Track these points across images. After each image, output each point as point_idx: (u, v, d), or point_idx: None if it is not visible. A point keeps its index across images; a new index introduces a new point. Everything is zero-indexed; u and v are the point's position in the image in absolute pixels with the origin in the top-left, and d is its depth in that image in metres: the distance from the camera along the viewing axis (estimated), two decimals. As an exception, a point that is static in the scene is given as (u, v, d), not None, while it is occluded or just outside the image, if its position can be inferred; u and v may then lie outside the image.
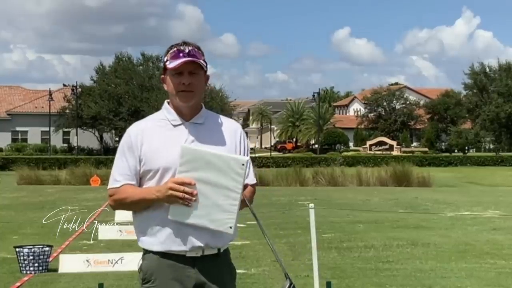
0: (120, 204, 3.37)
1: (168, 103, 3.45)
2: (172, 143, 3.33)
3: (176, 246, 3.28)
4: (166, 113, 3.42)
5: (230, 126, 3.47)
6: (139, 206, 3.33)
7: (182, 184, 3.16)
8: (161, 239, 3.30)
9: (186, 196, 3.16)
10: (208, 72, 3.45)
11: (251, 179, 3.45)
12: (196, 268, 3.32)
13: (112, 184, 3.38)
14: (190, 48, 3.34)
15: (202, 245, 3.29)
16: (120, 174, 3.36)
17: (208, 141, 3.32)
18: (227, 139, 3.41)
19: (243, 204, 3.33)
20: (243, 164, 3.16)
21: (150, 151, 3.33)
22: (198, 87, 3.36)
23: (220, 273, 3.39)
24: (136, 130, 3.39)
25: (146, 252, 3.38)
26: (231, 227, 3.18)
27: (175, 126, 3.38)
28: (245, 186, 3.33)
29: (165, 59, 3.37)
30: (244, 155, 3.42)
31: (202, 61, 3.35)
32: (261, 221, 3.53)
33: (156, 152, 3.33)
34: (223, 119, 3.50)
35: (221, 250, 3.39)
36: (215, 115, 3.49)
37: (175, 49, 3.35)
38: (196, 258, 3.31)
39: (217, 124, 3.45)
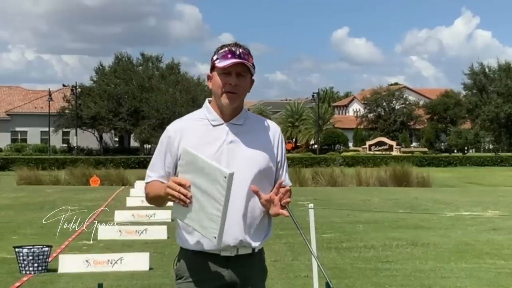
0: (148, 199, 3.47)
1: (209, 101, 3.44)
2: (211, 142, 3.33)
3: (211, 245, 3.28)
4: (206, 112, 3.41)
5: (269, 128, 3.47)
6: (158, 201, 3.40)
7: (179, 184, 3.16)
8: (197, 238, 3.32)
9: (181, 196, 3.15)
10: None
11: (288, 182, 3.54)
12: (229, 267, 3.35)
13: (145, 180, 3.48)
14: (240, 50, 3.33)
15: (236, 245, 3.32)
16: (152, 171, 3.43)
17: (246, 142, 3.33)
18: (265, 141, 3.41)
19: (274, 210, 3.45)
20: (225, 177, 3.04)
21: None
22: (243, 90, 3.36)
23: (252, 273, 3.43)
24: (175, 128, 3.40)
25: (182, 249, 3.43)
26: (215, 237, 3.13)
27: (214, 126, 3.37)
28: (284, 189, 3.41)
29: (214, 57, 3.36)
30: (281, 158, 3.46)
31: (251, 65, 3.34)
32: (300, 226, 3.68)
33: (194, 150, 3.32)
34: (263, 120, 3.50)
35: (256, 250, 3.42)
36: (255, 117, 3.49)
37: (226, 49, 3.34)
38: (230, 258, 3.34)
39: (257, 126, 3.44)
